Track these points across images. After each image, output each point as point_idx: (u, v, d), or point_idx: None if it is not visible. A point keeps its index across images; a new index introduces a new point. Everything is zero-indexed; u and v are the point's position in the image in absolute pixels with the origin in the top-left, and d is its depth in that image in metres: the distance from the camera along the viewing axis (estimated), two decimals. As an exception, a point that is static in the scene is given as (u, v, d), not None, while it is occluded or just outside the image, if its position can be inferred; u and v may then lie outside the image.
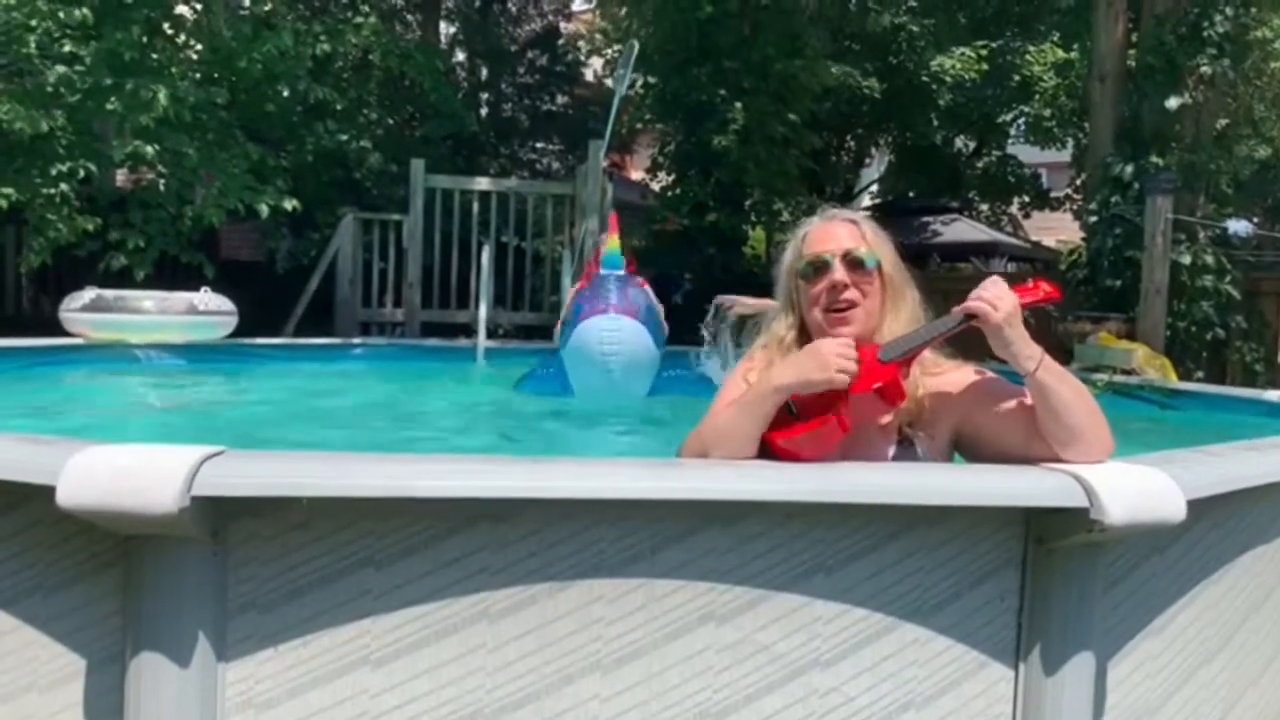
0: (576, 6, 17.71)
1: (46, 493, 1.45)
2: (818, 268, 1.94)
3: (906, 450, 1.92)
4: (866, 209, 16.47)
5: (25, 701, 1.60)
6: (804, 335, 1.99)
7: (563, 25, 16.77)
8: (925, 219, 16.83)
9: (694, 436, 1.87)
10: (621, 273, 4.96)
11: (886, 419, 1.89)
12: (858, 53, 13.97)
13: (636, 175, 17.44)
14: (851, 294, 1.92)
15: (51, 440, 1.62)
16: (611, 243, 5.11)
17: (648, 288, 5.68)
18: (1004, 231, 18.54)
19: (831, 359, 1.74)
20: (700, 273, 11.30)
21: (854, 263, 1.93)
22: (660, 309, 5.22)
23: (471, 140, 13.32)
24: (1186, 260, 8.67)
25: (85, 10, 7.27)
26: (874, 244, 1.97)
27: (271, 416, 4.46)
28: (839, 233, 1.97)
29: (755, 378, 1.92)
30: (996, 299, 1.76)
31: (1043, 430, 1.79)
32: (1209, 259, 8.84)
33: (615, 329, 4.68)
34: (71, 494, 1.44)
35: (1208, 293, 8.84)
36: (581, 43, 16.68)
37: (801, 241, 2.01)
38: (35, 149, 7.31)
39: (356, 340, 7.95)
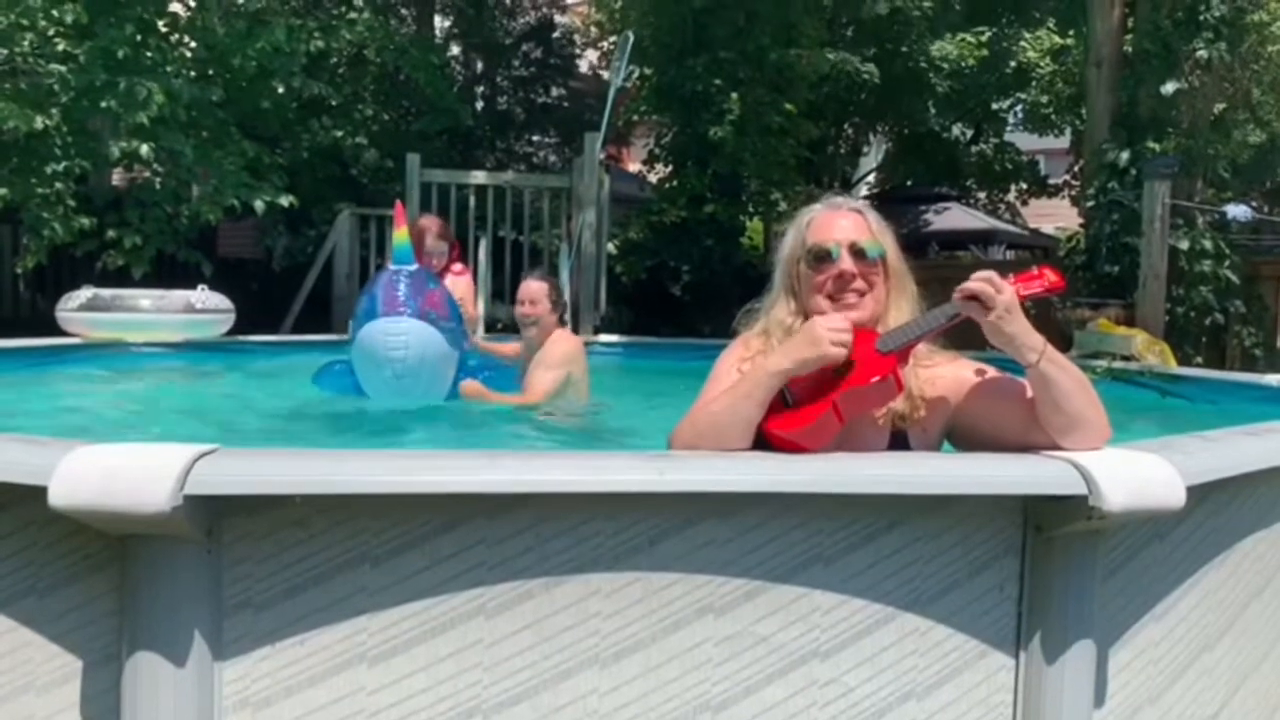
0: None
1: (39, 493, 1.44)
2: (822, 256, 1.92)
3: (900, 443, 1.91)
4: (864, 198, 16.43)
5: (22, 702, 1.60)
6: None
7: (557, 18, 16.71)
8: (923, 207, 16.82)
9: (686, 425, 1.85)
10: (413, 268, 4.44)
11: (882, 411, 1.88)
12: (853, 40, 13.94)
13: (634, 167, 17.42)
14: (859, 284, 1.91)
15: (43, 440, 1.62)
16: (399, 235, 4.53)
17: (461, 279, 5.29)
18: (1002, 219, 18.52)
19: (824, 334, 1.74)
20: (698, 264, 11.29)
21: (860, 253, 1.91)
22: (462, 301, 4.89)
23: (467, 134, 13.30)
24: (1185, 245, 8.67)
25: (79, 8, 7.25)
26: (879, 234, 1.96)
27: (267, 414, 4.44)
28: (845, 222, 1.95)
29: (750, 368, 1.91)
30: (992, 297, 1.72)
31: (1042, 419, 1.77)
32: (1207, 244, 8.83)
33: (401, 333, 4.24)
34: (64, 494, 1.43)
35: (1206, 278, 8.83)
36: (576, 36, 16.63)
37: (806, 228, 1.99)
38: (30, 148, 7.31)
39: (354, 336, 7.92)
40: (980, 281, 1.74)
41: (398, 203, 4.65)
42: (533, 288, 4.56)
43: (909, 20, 14.08)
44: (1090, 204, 9.54)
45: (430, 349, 4.31)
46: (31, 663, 1.59)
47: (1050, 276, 1.83)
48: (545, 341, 4.53)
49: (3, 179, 7.21)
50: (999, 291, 1.73)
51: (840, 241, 1.92)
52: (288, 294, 9.40)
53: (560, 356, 4.48)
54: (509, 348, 5.24)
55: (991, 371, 1.92)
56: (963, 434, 1.94)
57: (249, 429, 4.10)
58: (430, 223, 5.46)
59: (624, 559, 1.62)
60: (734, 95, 11.00)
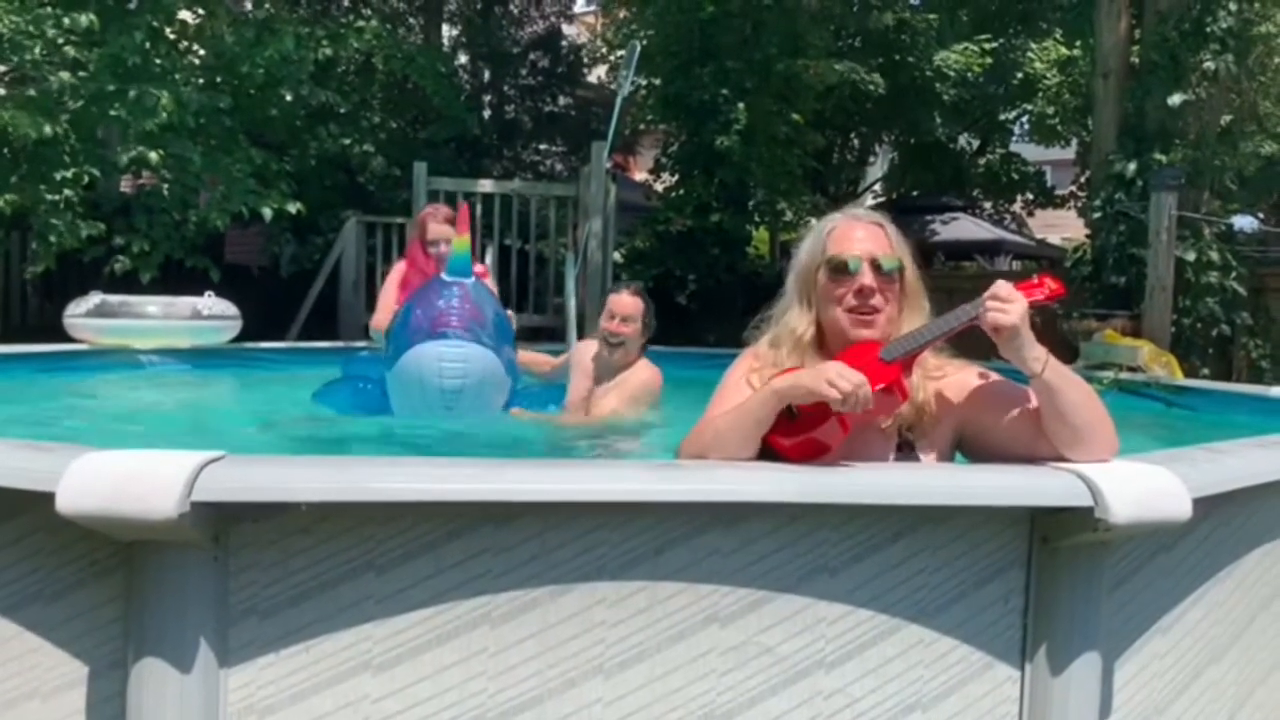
0: (578, 8, 17.72)
1: (47, 499, 1.44)
2: (842, 268, 1.92)
3: (907, 452, 1.91)
4: (871, 208, 16.40)
5: (28, 709, 1.60)
6: (821, 331, 1.98)
7: (565, 27, 16.76)
8: (929, 217, 16.81)
9: (693, 437, 1.87)
10: (470, 281, 3.85)
11: (888, 420, 1.88)
12: (860, 50, 13.96)
13: (640, 176, 17.44)
14: (877, 299, 1.91)
15: (51, 446, 1.62)
16: (460, 244, 3.89)
17: (489, 283, 4.58)
18: (1008, 229, 18.51)
19: (832, 378, 1.69)
20: (704, 273, 11.29)
21: (879, 268, 1.91)
22: (509, 316, 4.25)
23: (474, 143, 13.33)
24: (1191, 257, 8.65)
25: (89, 16, 7.29)
26: (897, 249, 1.96)
27: (274, 421, 4.45)
28: (868, 235, 1.95)
29: (759, 380, 1.91)
30: (1008, 304, 1.74)
31: (1048, 431, 1.78)
32: (1214, 255, 8.82)
33: (460, 360, 3.68)
34: (71, 500, 1.43)
35: (1213, 289, 8.82)
36: (584, 44, 16.69)
37: (827, 238, 1.97)
38: (40, 155, 7.34)
39: (361, 344, 7.94)
40: (992, 296, 1.76)
41: (464, 205, 4.10)
42: (628, 303, 3.96)
43: (915, 31, 14.09)
44: (1097, 215, 9.53)
45: (489, 378, 3.81)
46: (38, 668, 1.59)
47: (1050, 284, 1.85)
48: (627, 366, 4.01)
49: (12, 185, 7.24)
50: (1013, 302, 1.74)
51: (861, 255, 1.92)
52: (294, 301, 9.42)
53: (643, 389, 3.98)
54: (544, 360, 4.74)
55: (1000, 380, 1.92)
56: (971, 443, 1.94)
57: (256, 436, 4.10)
58: (437, 209, 4.89)
59: (629, 568, 1.62)
60: (741, 105, 11.01)
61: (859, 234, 1.95)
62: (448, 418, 3.79)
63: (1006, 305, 1.74)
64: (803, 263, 2.00)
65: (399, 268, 4.96)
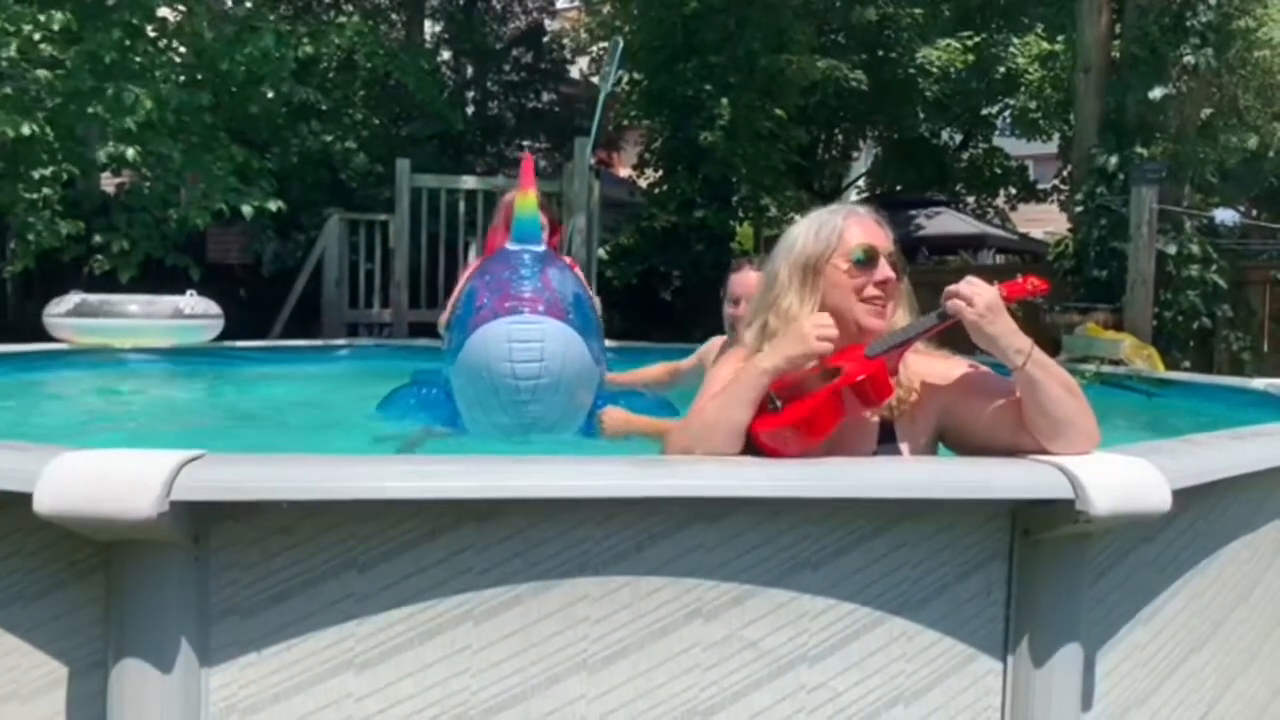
0: (561, 4, 17.69)
1: (24, 500, 1.43)
2: (873, 259, 1.91)
3: (890, 445, 1.91)
4: (855, 203, 16.42)
5: (7, 710, 1.59)
6: None
7: (547, 22, 16.74)
8: (913, 212, 16.88)
9: (680, 431, 1.86)
10: (540, 248, 3.17)
11: (871, 414, 1.88)
12: (843, 46, 13.99)
13: (624, 172, 17.43)
14: (892, 291, 1.92)
15: (28, 446, 1.61)
16: (524, 202, 3.19)
17: (577, 270, 3.77)
18: (991, 224, 18.59)
19: (811, 332, 1.77)
20: (689, 269, 11.30)
21: (893, 262, 1.93)
22: (595, 300, 3.59)
23: (458, 139, 13.29)
24: (1172, 250, 8.72)
25: (67, 14, 7.23)
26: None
27: (255, 419, 4.43)
28: (881, 231, 1.96)
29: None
30: (971, 295, 1.75)
31: (1029, 423, 1.78)
32: (1195, 249, 8.89)
33: (536, 339, 2.94)
34: (49, 501, 1.42)
35: (1194, 282, 8.89)
36: (567, 40, 16.67)
37: (843, 229, 1.94)
38: (18, 153, 7.28)
39: (343, 341, 7.91)
40: (961, 284, 1.78)
41: (527, 156, 3.28)
42: (752, 280, 3.18)
43: (899, 26, 14.13)
44: (1079, 209, 9.59)
45: (572, 362, 3.05)
46: (17, 670, 1.58)
47: (1034, 282, 1.87)
48: None
49: (-10, 184, 7.19)
50: (977, 294, 1.75)
51: (883, 248, 1.92)
52: (277, 299, 9.37)
53: None
54: (659, 370, 3.97)
55: (983, 372, 1.92)
56: (953, 433, 1.94)
57: (236, 435, 4.08)
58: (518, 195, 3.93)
59: (612, 564, 1.61)
60: (724, 100, 11.03)
61: (876, 228, 1.95)
62: (523, 428, 3.12)
63: (972, 299, 1.75)
64: (808, 253, 1.93)
65: (475, 264, 4.16)
